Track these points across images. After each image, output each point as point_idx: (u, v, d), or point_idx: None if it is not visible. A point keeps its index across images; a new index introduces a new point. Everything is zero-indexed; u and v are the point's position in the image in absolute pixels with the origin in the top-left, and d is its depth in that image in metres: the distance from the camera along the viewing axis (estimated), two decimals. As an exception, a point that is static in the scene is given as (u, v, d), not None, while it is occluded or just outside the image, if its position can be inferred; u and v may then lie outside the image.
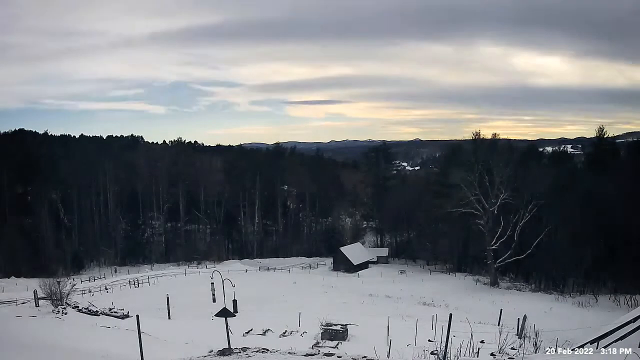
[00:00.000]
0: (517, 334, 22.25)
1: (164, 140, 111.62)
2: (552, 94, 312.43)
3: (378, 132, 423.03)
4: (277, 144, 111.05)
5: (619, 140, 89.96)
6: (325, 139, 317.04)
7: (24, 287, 43.06)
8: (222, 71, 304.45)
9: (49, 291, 28.09)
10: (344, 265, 66.22)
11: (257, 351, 12.04)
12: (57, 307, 26.15)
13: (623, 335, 11.40)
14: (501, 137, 66.52)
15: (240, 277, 47.36)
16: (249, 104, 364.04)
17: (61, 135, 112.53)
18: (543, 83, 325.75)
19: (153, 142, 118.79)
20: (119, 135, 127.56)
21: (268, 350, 12.37)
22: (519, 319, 25.13)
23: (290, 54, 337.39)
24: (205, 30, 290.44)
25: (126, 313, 26.93)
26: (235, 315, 28.77)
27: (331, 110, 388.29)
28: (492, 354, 13.12)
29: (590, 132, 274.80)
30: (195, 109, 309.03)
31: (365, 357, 11.05)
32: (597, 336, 12.80)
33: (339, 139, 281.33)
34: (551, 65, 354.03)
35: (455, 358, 10.76)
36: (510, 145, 73.01)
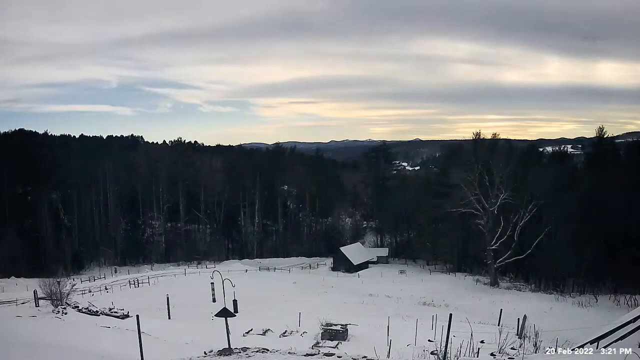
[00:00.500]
0: (517, 334, 22.25)
1: (164, 140, 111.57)
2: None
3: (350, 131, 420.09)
4: (277, 144, 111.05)
5: (619, 140, 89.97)
6: (310, 139, 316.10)
7: (24, 287, 43.06)
8: (174, 74, 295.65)
9: (49, 291, 28.15)
10: (344, 265, 66.20)
11: (257, 351, 12.05)
12: (57, 307, 26.19)
13: (623, 335, 11.39)
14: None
15: (240, 277, 47.36)
16: (212, 105, 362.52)
17: (61, 135, 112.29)
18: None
19: (153, 142, 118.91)
20: (119, 135, 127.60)
21: (268, 350, 12.38)
22: (519, 319, 25.13)
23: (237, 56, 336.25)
24: (152, 35, 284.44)
25: (126, 313, 26.95)
26: (235, 315, 28.82)
27: (302, 110, 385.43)
28: (492, 354, 13.12)
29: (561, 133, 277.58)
30: (160, 111, 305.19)
31: (365, 357, 11.06)
32: (597, 336, 12.78)
33: (317, 140, 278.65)
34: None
35: (455, 358, 10.77)
36: (510, 145, 72.99)
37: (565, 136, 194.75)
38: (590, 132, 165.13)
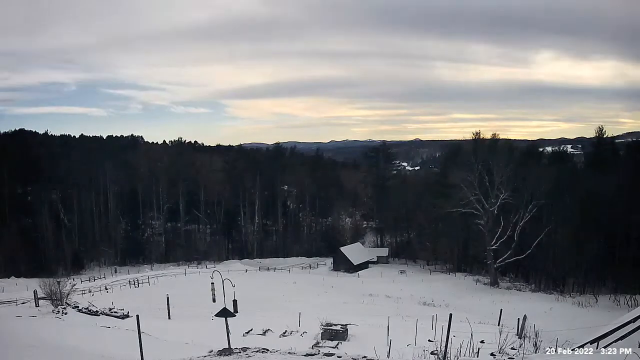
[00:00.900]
0: (517, 334, 22.25)
1: (164, 140, 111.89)
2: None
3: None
4: (277, 144, 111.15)
5: (619, 140, 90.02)
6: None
7: (24, 287, 43.03)
8: (130, 76, 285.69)
9: (49, 291, 28.14)
10: (344, 265, 66.19)
11: (257, 351, 12.05)
12: (57, 307, 26.20)
13: (623, 335, 11.42)
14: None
15: (240, 277, 47.37)
16: (184, 106, 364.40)
17: (61, 135, 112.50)
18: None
19: (153, 142, 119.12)
20: (119, 135, 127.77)
21: (268, 350, 12.38)
22: (519, 319, 25.13)
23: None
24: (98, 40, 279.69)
25: (126, 313, 26.96)
26: (235, 315, 28.74)
27: (276, 109, 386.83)
28: (492, 354, 13.12)
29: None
30: (131, 112, 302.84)
31: (365, 357, 11.05)
32: (597, 336, 12.81)
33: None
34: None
35: (455, 358, 10.76)
36: (510, 145, 73.05)
37: (565, 136, 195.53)
38: (590, 132, 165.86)
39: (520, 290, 51.17)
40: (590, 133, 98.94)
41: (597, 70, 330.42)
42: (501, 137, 67.25)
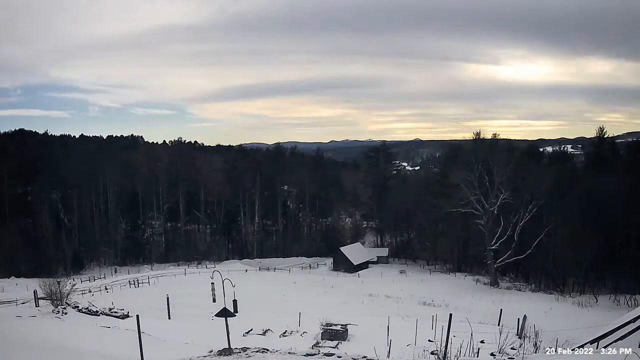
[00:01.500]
0: (517, 334, 22.28)
1: (164, 140, 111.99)
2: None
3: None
4: (278, 144, 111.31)
5: (619, 140, 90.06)
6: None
7: (24, 287, 43.05)
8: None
9: (49, 291, 28.15)
10: (344, 265, 66.18)
11: (257, 351, 12.05)
12: (57, 307, 26.21)
13: (623, 335, 11.40)
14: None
15: (240, 277, 47.32)
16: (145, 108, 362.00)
17: (61, 135, 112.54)
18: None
19: (153, 142, 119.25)
20: (118, 135, 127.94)
21: (268, 350, 12.38)
22: (519, 319, 25.18)
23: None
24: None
25: (126, 313, 26.96)
26: (235, 315, 28.86)
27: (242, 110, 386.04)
28: (492, 354, 13.13)
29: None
30: (92, 114, 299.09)
31: (365, 357, 11.05)
32: (597, 336, 12.79)
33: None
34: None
35: (455, 358, 10.75)
36: (510, 145, 73.05)
37: (565, 136, 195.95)
38: (590, 132, 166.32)
39: (520, 290, 51.16)
40: (591, 133, 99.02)
41: (559, 67, 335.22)
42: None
